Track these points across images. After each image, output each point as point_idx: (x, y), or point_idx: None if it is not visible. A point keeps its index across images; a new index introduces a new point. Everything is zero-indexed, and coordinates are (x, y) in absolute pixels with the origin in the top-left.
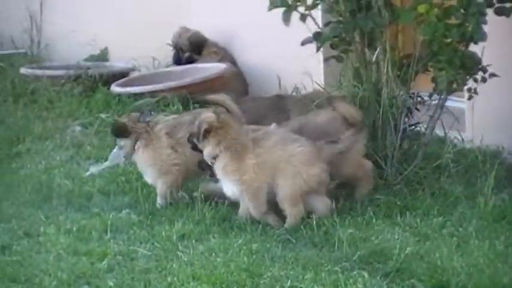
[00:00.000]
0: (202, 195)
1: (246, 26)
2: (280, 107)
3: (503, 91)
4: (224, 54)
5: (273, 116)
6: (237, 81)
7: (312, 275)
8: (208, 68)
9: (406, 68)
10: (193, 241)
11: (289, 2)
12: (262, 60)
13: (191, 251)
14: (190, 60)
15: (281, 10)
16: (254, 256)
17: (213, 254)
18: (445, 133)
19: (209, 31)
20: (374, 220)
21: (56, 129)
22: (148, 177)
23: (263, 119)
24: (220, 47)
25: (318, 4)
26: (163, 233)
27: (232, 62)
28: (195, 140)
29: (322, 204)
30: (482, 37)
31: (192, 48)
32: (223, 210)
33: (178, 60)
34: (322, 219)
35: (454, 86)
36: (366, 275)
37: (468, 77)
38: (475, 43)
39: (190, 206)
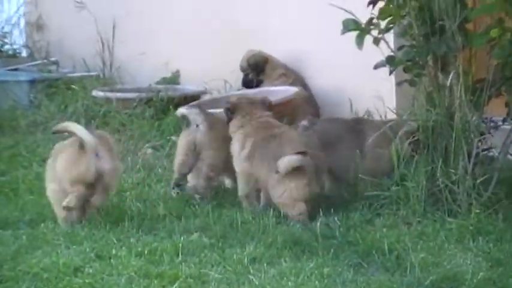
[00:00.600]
0: None
1: (319, 50)
2: (357, 131)
3: None
4: (295, 78)
5: (349, 139)
6: (308, 105)
7: None
8: (279, 91)
9: (479, 92)
10: (265, 264)
11: (363, 26)
12: (334, 84)
13: (262, 275)
14: (258, 82)
15: (354, 34)
16: (326, 280)
17: (285, 277)
18: None
19: (282, 55)
20: (446, 245)
21: (127, 152)
22: None
23: (339, 141)
24: (290, 70)
25: (391, 28)
26: (235, 256)
27: (303, 85)
28: None
29: None
30: None
31: (252, 69)
32: (295, 233)
33: (245, 83)
34: (394, 243)
35: None
36: None
37: None
38: None
39: (262, 229)
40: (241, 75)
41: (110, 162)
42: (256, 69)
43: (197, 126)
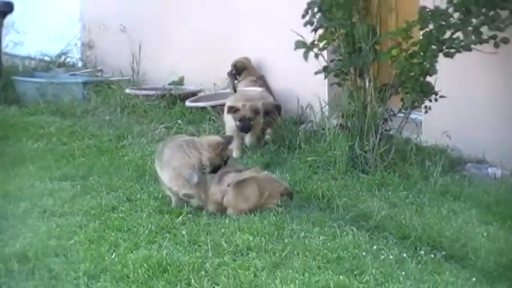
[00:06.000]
0: None
1: (278, 61)
2: None
3: (448, 108)
4: (261, 83)
5: None
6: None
7: (318, 229)
8: (251, 91)
9: (384, 92)
10: None
11: (308, 45)
12: (286, 85)
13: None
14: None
15: (302, 50)
16: (280, 216)
17: (252, 214)
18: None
19: (255, 63)
20: (360, 193)
21: (148, 130)
22: None
23: None
24: (258, 77)
25: (326, 47)
26: None
27: (267, 86)
28: None
29: None
30: (435, 71)
31: (236, 70)
32: None
33: (232, 77)
34: (326, 192)
35: (416, 104)
36: (354, 229)
37: (425, 98)
38: (430, 75)
39: None
40: (226, 79)
41: None
42: (238, 71)
43: None
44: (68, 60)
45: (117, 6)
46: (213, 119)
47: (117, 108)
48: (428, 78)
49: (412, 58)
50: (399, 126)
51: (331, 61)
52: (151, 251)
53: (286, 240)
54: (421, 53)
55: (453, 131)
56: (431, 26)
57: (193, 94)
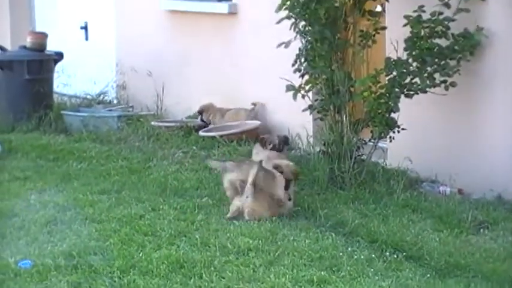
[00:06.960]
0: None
1: (275, 99)
2: None
3: (409, 138)
4: (220, 117)
5: None
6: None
7: (305, 234)
8: (248, 123)
9: (357, 125)
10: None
11: (297, 88)
12: (281, 119)
13: (241, 222)
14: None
15: (292, 92)
16: (274, 224)
17: (252, 222)
18: (379, 160)
19: (256, 99)
20: (338, 205)
21: (169, 154)
22: None
23: None
24: (214, 114)
25: (311, 89)
26: None
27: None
28: None
29: None
30: (398, 109)
31: (199, 112)
32: None
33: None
34: (310, 204)
35: (382, 135)
36: (333, 234)
37: (390, 130)
38: (394, 112)
39: None
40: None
41: None
42: (200, 112)
43: None
44: (106, 98)
45: (145, 55)
46: (219, 146)
47: (145, 137)
48: (392, 115)
49: (380, 99)
50: (369, 152)
51: (315, 100)
52: (171, 251)
53: (278, 243)
54: (387, 95)
55: (412, 157)
56: (394, 73)
57: (205, 125)
